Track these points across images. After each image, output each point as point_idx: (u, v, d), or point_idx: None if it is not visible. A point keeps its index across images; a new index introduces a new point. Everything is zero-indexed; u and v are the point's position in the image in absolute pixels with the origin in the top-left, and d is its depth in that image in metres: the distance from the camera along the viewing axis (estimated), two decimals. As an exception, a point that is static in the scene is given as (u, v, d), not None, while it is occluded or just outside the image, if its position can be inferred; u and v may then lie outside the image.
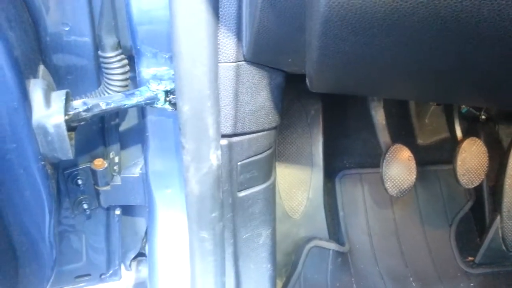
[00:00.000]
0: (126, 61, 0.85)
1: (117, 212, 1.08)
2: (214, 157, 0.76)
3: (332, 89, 0.75)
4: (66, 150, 0.69)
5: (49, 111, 0.67)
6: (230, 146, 0.78)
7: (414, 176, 1.14)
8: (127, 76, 0.86)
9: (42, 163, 0.70)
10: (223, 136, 0.76)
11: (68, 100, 0.73)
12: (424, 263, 1.26)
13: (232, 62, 0.69)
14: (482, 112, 1.32)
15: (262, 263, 0.94)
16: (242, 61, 0.69)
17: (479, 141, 1.20)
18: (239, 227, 0.88)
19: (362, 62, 0.55)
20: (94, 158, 0.96)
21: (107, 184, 0.98)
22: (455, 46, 0.49)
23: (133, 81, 0.89)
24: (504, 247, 1.29)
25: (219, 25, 0.65)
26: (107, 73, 0.85)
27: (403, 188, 1.14)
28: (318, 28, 0.49)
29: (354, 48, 0.51)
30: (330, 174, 1.34)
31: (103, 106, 0.75)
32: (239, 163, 0.81)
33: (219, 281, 0.86)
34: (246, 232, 0.89)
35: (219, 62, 0.68)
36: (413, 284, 1.22)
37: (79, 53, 0.86)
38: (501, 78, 0.58)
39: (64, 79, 0.87)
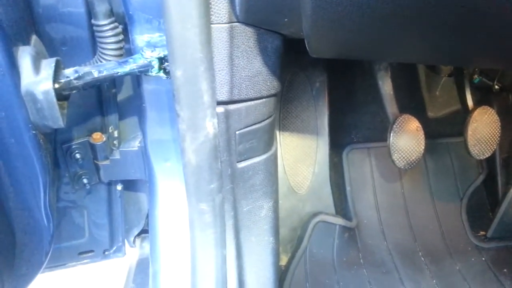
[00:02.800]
0: (120, 29, 0.83)
1: (119, 187, 1.07)
2: (210, 125, 0.73)
3: (332, 52, 0.72)
4: (56, 118, 0.67)
5: (38, 77, 0.65)
6: (227, 114, 0.75)
7: (423, 147, 1.11)
8: (121, 44, 0.83)
9: (33, 132, 0.68)
10: (219, 103, 0.73)
11: (59, 68, 0.71)
12: (433, 237, 1.23)
13: (225, 23, 0.66)
14: (495, 82, 1.27)
15: (264, 236, 0.91)
16: (235, 22, 0.66)
17: (491, 110, 1.15)
18: (239, 199, 0.86)
19: (359, 13, 0.51)
20: (92, 132, 0.95)
21: (106, 158, 0.96)
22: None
23: (129, 53, 0.86)
24: (517, 221, 1.25)
25: (209, -18, 0.62)
26: (101, 42, 0.82)
27: (411, 159, 1.10)
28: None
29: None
30: (337, 148, 1.31)
31: (95, 74, 0.73)
32: (237, 132, 0.78)
33: (219, 254, 0.85)
34: (247, 204, 0.87)
35: (212, 23, 0.65)
36: (422, 259, 1.19)
37: (73, 24, 0.84)
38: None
39: (59, 50, 0.86)
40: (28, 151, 0.70)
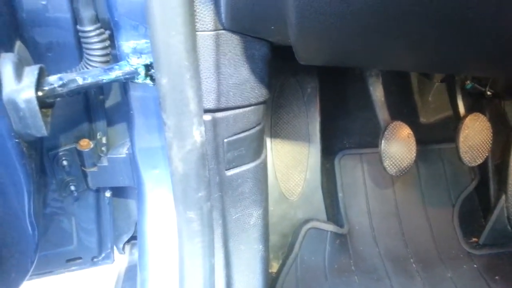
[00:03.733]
0: (106, 36, 0.82)
1: (107, 194, 1.06)
2: (197, 133, 0.72)
3: (321, 60, 0.71)
4: (39, 127, 0.66)
5: (20, 85, 0.64)
6: (214, 122, 0.74)
7: (414, 154, 1.10)
8: (107, 51, 0.82)
9: (16, 140, 0.67)
10: (206, 111, 0.73)
11: (42, 75, 0.70)
12: (425, 244, 1.22)
13: (210, 30, 0.65)
14: (487, 88, 1.26)
15: (253, 244, 0.91)
16: (221, 29, 0.65)
17: (482, 116, 1.15)
18: (228, 207, 0.85)
19: (344, 22, 0.50)
20: (80, 138, 0.94)
21: (94, 165, 0.95)
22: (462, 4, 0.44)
23: (116, 58, 0.85)
24: (509, 228, 1.24)
25: (194, -11, 0.61)
26: (87, 48, 0.81)
27: (402, 166, 1.09)
28: (290, -16, 0.45)
29: (332, 7, 0.47)
30: (329, 154, 1.30)
31: (80, 81, 0.71)
32: (225, 140, 0.77)
33: (207, 263, 0.84)
34: (236, 212, 0.86)
35: (197, 31, 0.64)
36: (414, 265, 1.18)
37: (58, 29, 0.83)
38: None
39: (44, 56, 0.84)
40: (11, 159, 0.69)
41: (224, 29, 0.65)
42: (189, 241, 0.82)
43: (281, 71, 1.18)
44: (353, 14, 0.48)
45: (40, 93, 0.67)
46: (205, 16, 0.63)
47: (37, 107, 0.64)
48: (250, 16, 0.61)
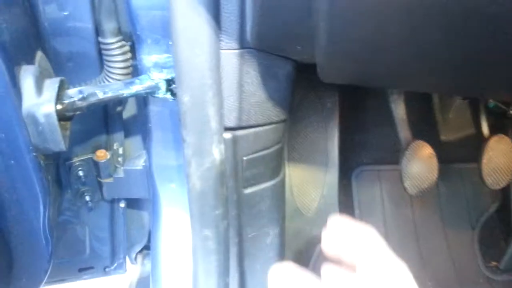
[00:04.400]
0: (127, 48, 0.81)
1: (122, 205, 1.05)
2: (217, 152, 0.71)
3: (345, 80, 0.69)
4: (58, 142, 0.65)
5: (40, 99, 0.63)
6: (234, 140, 0.72)
7: (436, 175, 1.07)
8: (128, 63, 0.82)
9: (34, 154, 0.66)
10: (227, 129, 0.71)
11: (62, 88, 0.69)
12: (444, 267, 1.19)
13: (235, 49, 0.63)
14: (511, 107, 1.23)
15: (269, 264, 0.88)
16: (246, 48, 0.64)
17: (507, 138, 1.11)
18: (245, 225, 0.83)
19: (375, 51, 0.49)
20: (96, 149, 0.93)
21: (109, 176, 0.94)
22: (487, 28, 0.42)
23: (136, 69, 0.84)
24: (531, 253, 1.20)
25: (220, 8, 0.59)
26: (108, 60, 0.80)
27: (423, 187, 1.06)
28: (325, 9, 0.43)
29: (364, 34, 0.45)
30: (346, 170, 1.28)
31: (100, 95, 0.70)
32: (244, 158, 0.76)
33: (222, 282, 0.82)
34: (252, 230, 0.84)
35: (221, 49, 0.63)
36: (431, 288, 1.15)
37: (79, 39, 0.82)
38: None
39: (64, 66, 0.84)
40: (29, 173, 0.68)
41: (248, 47, 0.64)
42: (204, 259, 0.81)
43: (301, 85, 1.16)
44: (387, 42, 0.46)
45: (59, 107, 0.66)
46: (231, 34, 0.62)
47: (56, 122, 0.63)
48: (277, 36, 0.59)
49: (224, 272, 0.82)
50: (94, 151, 0.92)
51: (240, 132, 0.72)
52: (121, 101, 0.92)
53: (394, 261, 0.50)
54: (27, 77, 0.64)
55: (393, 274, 0.47)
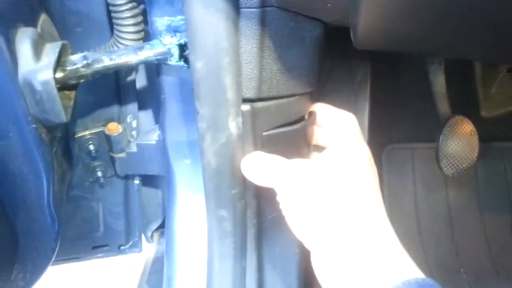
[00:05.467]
0: (138, 10, 0.74)
1: (136, 181, 1.00)
2: (233, 125, 0.63)
3: (381, 44, 0.60)
4: (57, 112, 0.58)
5: (37, 65, 0.57)
6: (253, 113, 0.65)
7: (476, 155, 0.97)
8: (140, 27, 0.74)
9: (34, 126, 0.60)
10: (245, 100, 0.63)
11: (65, 53, 0.62)
12: (479, 254, 1.10)
13: (256, 7, 0.55)
14: None
15: (289, 247, 0.82)
16: (269, 6, 0.55)
17: (557, 115, 1.00)
18: (264, 205, 0.76)
19: (416, 6, 0.40)
20: (108, 121, 0.87)
21: (122, 151, 0.88)
22: None
23: (148, 35, 0.77)
24: None
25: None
26: (117, 24, 0.73)
27: (461, 167, 0.97)
28: None
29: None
30: (376, 147, 1.19)
31: (106, 62, 0.64)
32: (264, 134, 0.68)
33: (238, 265, 0.76)
34: (272, 211, 0.77)
35: (240, 7, 0.55)
36: (464, 276, 1.07)
37: (88, 3, 0.76)
38: None
39: (72, 32, 0.77)
40: (29, 146, 0.62)
41: (272, 5, 0.55)
42: (220, 241, 0.75)
43: (330, 53, 1.06)
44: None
45: (61, 74, 0.60)
46: (250, -11, 0.53)
47: (55, 90, 0.57)
48: (304, -9, 0.51)
49: (240, 255, 0.76)
50: (105, 124, 0.87)
51: (259, 104, 0.65)
52: (133, 70, 0.86)
53: (360, 146, 0.63)
54: (24, 40, 0.57)
55: (354, 156, 0.59)
